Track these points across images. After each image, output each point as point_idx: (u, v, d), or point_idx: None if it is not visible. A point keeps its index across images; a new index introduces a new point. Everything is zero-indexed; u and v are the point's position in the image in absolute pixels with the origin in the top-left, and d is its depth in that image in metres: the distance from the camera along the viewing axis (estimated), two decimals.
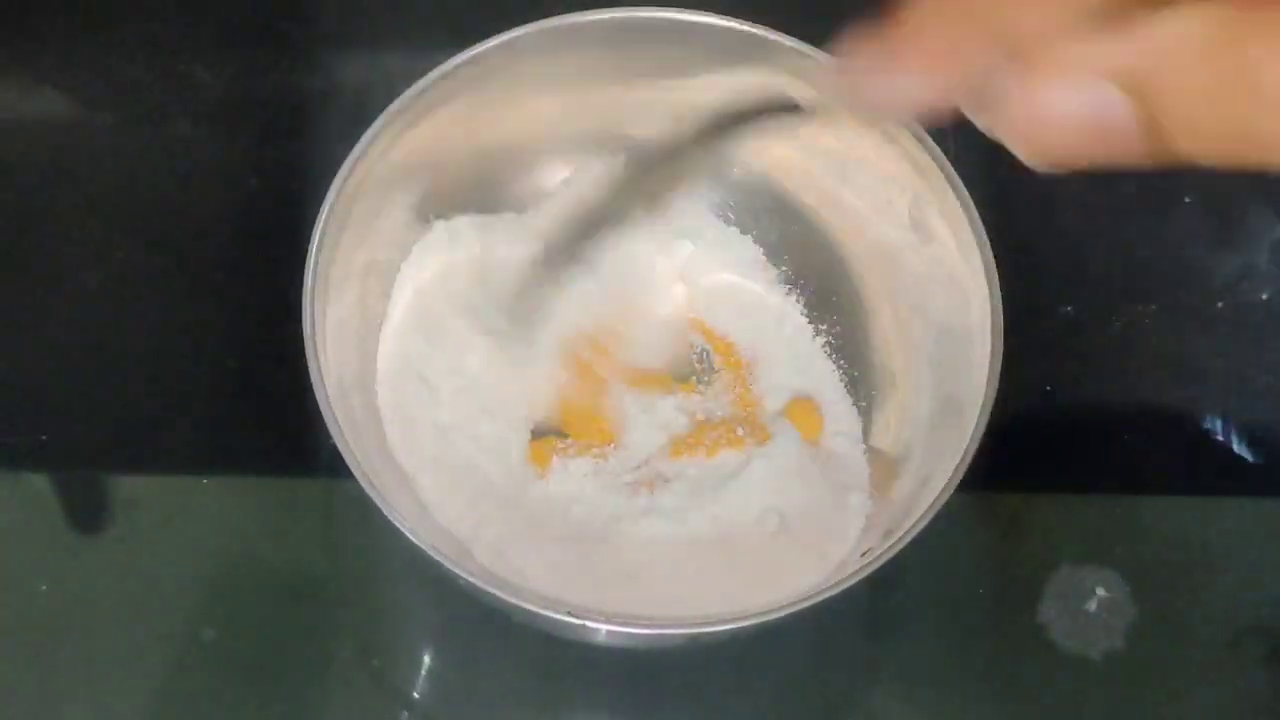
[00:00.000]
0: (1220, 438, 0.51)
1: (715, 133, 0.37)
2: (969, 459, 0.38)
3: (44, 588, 0.48)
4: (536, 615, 0.37)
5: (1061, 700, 0.47)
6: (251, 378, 0.52)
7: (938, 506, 0.38)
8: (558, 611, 0.37)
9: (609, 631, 0.38)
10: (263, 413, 0.51)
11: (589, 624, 0.38)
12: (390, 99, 0.42)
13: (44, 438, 0.51)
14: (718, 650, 0.45)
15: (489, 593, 0.37)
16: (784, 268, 0.50)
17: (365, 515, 0.49)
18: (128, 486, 0.50)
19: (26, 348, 0.52)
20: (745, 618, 0.37)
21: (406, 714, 0.47)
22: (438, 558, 0.37)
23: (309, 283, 0.40)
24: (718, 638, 0.39)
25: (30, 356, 0.52)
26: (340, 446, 0.38)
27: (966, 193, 0.41)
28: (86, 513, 0.49)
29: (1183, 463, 0.51)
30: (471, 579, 0.37)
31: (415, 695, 0.47)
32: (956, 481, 0.38)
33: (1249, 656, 0.48)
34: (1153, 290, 0.53)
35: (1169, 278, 0.54)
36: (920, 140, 0.41)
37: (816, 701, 0.48)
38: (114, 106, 0.57)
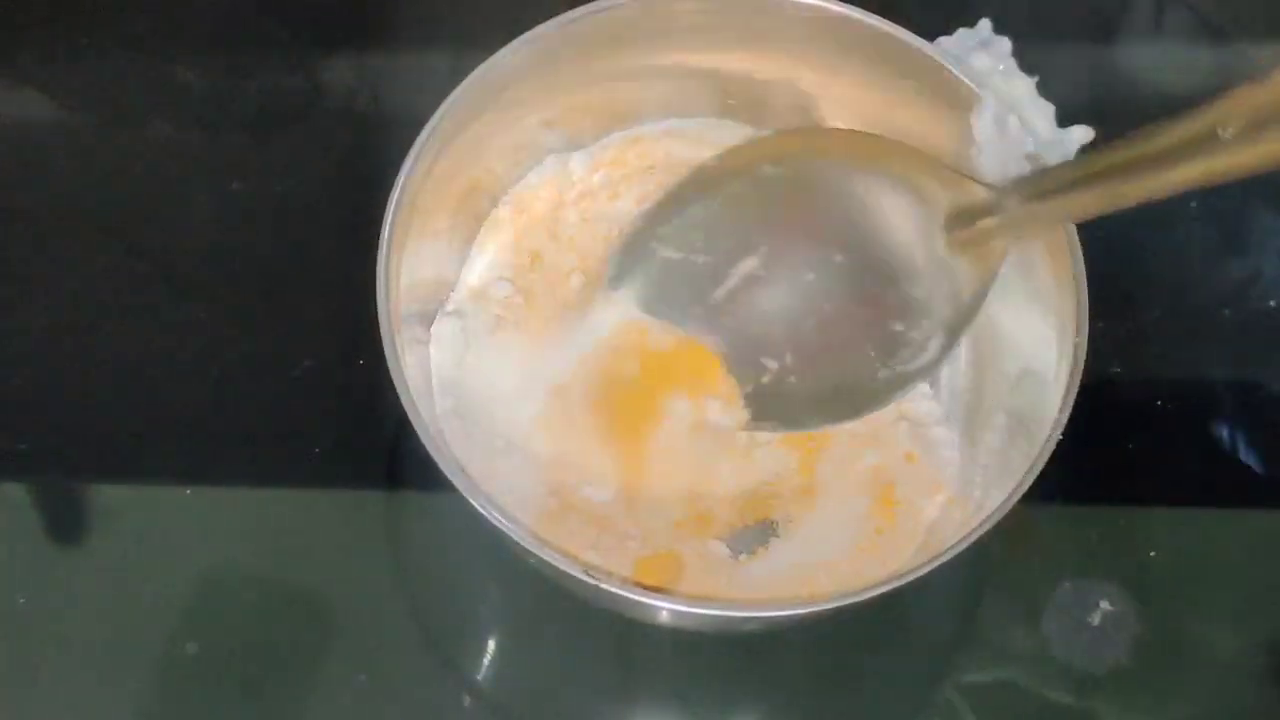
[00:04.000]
0: (1227, 448, 0.51)
1: None
2: (1026, 485, 0.38)
3: (22, 600, 0.47)
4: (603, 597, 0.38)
5: (1065, 716, 0.47)
6: (234, 385, 0.51)
7: (994, 520, 0.38)
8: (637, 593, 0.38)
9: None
10: (247, 422, 0.51)
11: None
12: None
13: (22, 447, 0.50)
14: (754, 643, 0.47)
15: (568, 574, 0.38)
16: None
17: (351, 525, 0.49)
18: (108, 497, 0.50)
19: (3, 354, 0.52)
20: (792, 607, 0.39)
21: None
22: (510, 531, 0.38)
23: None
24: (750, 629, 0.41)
25: (7, 363, 0.52)
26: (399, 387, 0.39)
27: (1077, 238, 0.41)
28: (66, 523, 0.49)
29: (1189, 474, 0.51)
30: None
31: (409, 706, 0.46)
32: (1013, 503, 0.38)
33: (1256, 672, 0.48)
34: (1158, 297, 0.53)
35: (1174, 285, 0.54)
36: None
37: (816, 712, 0.48)
38: (95, 107, 0.57)
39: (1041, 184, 0.39)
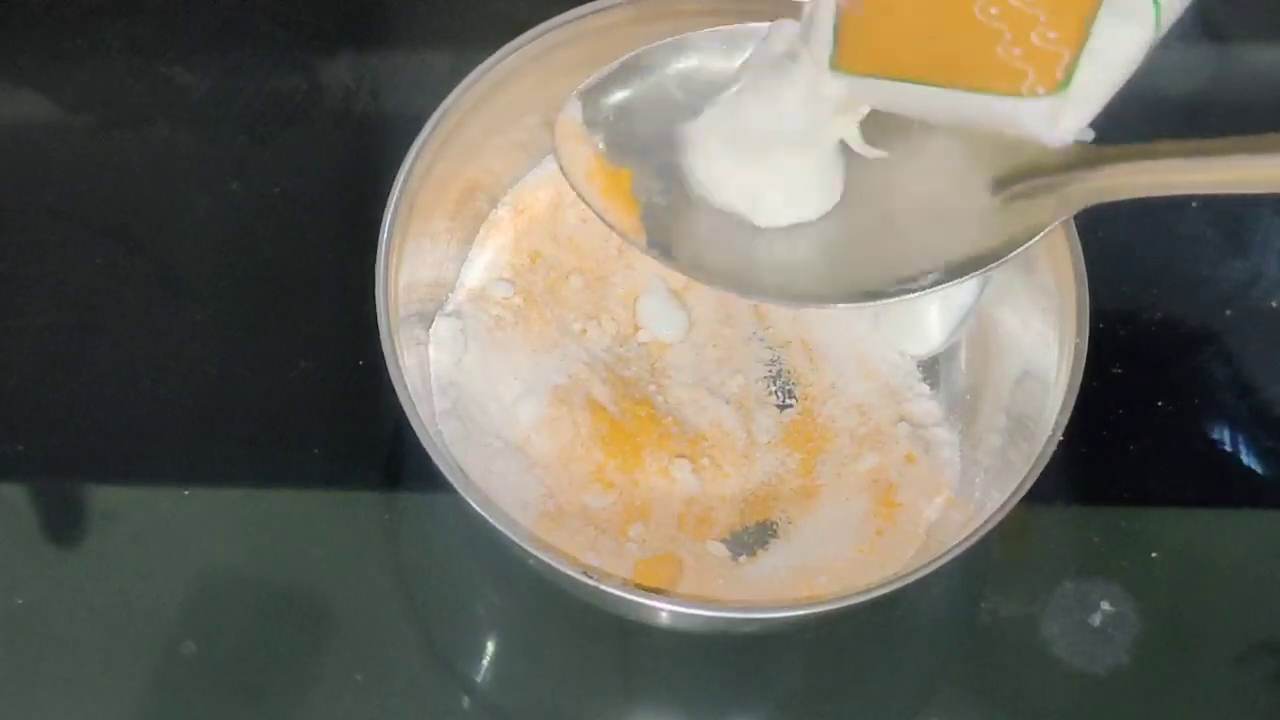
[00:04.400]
0: (1228, 448, 0.51)
1: None
2: (1027, 486, 0.38)
3: (20, 601, 0.47)
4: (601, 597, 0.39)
5: (1065, 717, 0.47)
6: (233, 386, 0.51)
7: (994, 521, 0.38)
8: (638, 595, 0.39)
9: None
10: (245, 422, 0.51)
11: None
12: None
13: (20, 448, 0.50)
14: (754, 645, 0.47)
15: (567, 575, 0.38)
16: None
17: (349, 525, 0.49)
18: (106, 497, 0.50)
19: (3, 354, 0.52)
20: (786, 608, 0.39)
21: None
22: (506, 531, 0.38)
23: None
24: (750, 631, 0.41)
25: (7, 363, 0.52)
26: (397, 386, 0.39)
27: (1077, 238, 0.40)
28: (65, 524, 0.49)
29: (1189, 474, 0.50)
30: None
31: (407, 706, 0.46)
32: (1013, 503, 0.38)
33: (1257, 673, 0.47)
34: (1159, 297, 0.53)
35: (1174, 285, 0.53)
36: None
37: (816, 712, 0.48)
38: (94, 108, 0.57)
39: (1132, 152, 0.36)
